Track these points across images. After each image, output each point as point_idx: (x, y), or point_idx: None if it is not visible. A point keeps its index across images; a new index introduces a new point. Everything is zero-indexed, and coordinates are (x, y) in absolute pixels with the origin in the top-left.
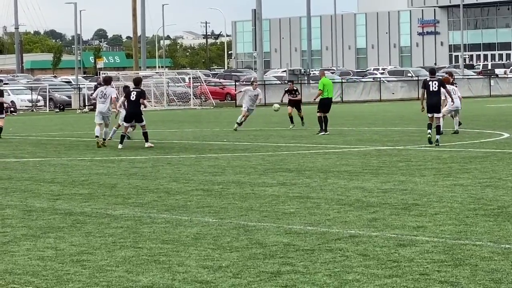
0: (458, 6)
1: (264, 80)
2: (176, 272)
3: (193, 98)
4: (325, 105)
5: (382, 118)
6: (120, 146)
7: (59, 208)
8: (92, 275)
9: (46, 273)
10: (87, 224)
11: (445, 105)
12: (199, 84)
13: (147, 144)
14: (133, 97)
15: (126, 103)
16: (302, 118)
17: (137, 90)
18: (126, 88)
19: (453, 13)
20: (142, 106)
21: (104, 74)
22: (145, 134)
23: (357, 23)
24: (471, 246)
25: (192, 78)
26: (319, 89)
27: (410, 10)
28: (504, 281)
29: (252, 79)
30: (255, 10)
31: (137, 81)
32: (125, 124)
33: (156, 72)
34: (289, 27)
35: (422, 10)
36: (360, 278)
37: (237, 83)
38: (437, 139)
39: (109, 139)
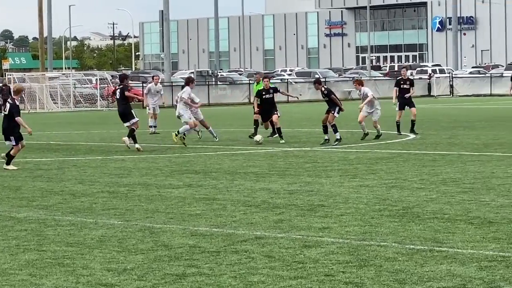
0: (365, 8)
1: (172, 82)
2: (80, 275)
3: (100, 100)
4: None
5: (289, 119)
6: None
7: None
8: None
9: None
10: None
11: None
12: (106, 85)
13: (128, 142)
14: (118, 95)
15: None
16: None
17: (120, 86)
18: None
19: (360, 14)
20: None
21: (10, 75)
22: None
23: (264, 25)
24: (376, 247)
25: (99, 80)
26: None
27: (318, 12)
28: (408, 281)
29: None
30: (162, 11)
31: (122, 78)
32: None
33: (63, 74)
34: (197, 28)
35: (330, 11)
36: (265, 279)
37: (144, 85)
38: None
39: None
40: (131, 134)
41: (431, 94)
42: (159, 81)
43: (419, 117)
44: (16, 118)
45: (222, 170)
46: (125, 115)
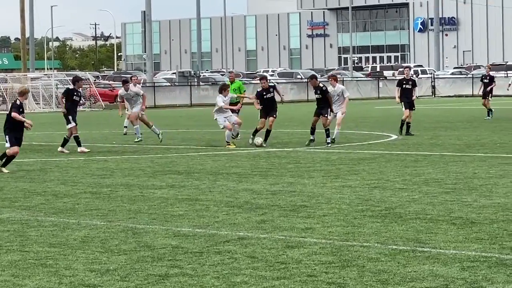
0: (347, 8)
1: (154, 82)
2: (63, 276)
3: (82, 100)
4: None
5: None
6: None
7: None
8: None
9: None
10: None
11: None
12: (89, 86)
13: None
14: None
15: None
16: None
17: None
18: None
19: (342, 15)
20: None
21: None
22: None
23: (247, 25)
24: (359, 247)
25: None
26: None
27: (300, 12)
28: (390, 281)
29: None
30: (144, 12)
31: (74, 81)
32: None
33: (45, 74)
34: (179, 29)
35: (312, 12)
36: (248, 280)
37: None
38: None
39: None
40: (65, 142)
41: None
42: (139, 82)
43: (401, 117)
44: (12, 114)
45: (205, 170)
46: (65, 118)
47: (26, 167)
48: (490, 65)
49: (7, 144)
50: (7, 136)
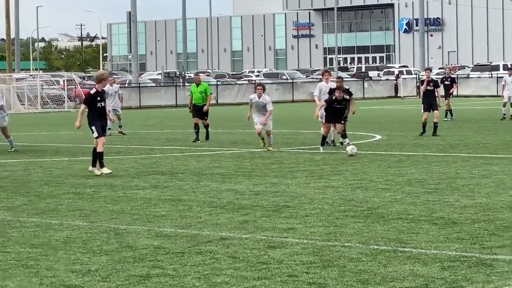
0: (332, 9)
1: (140, 83)
2: (44, 277)
3: (68, 101)
4: (196, 111)
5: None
6: None
7: None
8: None
9: None
10: None
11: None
12: (74, 86)
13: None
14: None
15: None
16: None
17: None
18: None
19: (328, 16)
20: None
21: None
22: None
23: (232, 26)
24: (340, 248)
25: (67, 81)
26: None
27: (285, 13)
28: (371, 281)
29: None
30: (130, 12)
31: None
32: None
33: (30, 75)
34: (165, 29)
35: (297, 13)
36: (229, 280)
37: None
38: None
39: None
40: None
41: (398, 95)
42: (115, 82)
43: (387, 118)
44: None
45: (189, 171)
46: None
47: (10, 168)
48: (452, 66)
49: (95, 134)
50: (93, 127)
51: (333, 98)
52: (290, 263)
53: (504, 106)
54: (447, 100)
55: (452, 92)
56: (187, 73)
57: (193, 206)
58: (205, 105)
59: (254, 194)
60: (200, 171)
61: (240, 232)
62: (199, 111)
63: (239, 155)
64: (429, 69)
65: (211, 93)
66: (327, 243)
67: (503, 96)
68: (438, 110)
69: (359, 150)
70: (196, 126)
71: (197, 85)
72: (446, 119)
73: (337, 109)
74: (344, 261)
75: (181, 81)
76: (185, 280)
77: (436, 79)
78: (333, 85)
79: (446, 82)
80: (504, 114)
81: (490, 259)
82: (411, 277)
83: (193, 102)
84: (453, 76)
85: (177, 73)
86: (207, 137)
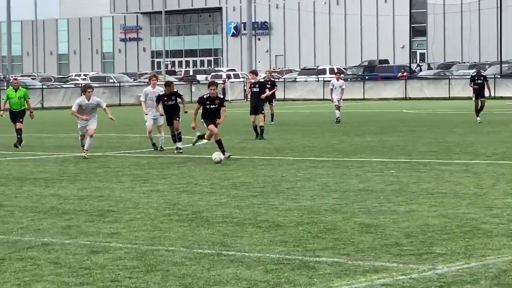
0: (160, 12)
1: None
2: None
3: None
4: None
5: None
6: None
7: None
8: None
9: None
10: None
11: None
12: None
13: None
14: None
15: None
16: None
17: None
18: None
19: (156, 19)
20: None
21: None
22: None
23: (59, 29)
24: (164, 252)
25: None
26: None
27: (113, 16)
28: (194, 285)
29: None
30: None
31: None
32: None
33: None
34: None
35: (125, 16)
36: (50, 286)
37: None
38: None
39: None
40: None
41: (226, 98)
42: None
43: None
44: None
45: (11, 176)
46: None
47: None
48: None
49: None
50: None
51: (204, 97)
52: (113, 268)
53: (338, 109)
54: (270, 104)
55: (275, 95)
56: (11, 76)
57: (15, 211)
58: (23, 110)
59: (78, 198)
60: (23, 176)
61: (63, 237)
62: (16, 117)
63: (64, 159)
64: (255, 72)
65: (29, 98)
66: (151, 248)
67: (332, 100)
68: (263, 113)
69: (187, 154)
70: (19, 131)
71: (15, 90)
72: (272, 122)
73: (212, 109)
74: (168, 265)
75: (5, 84)
76: (4, 287)
77: (262, 80)
78: (160, 89)
79: (268, 86)
80: (338, 117)
81: (313, 261)
82: (234, 281)
83: (11, 107)
84: (273, 79)
85: (1, 76)
86: (19, 142)
